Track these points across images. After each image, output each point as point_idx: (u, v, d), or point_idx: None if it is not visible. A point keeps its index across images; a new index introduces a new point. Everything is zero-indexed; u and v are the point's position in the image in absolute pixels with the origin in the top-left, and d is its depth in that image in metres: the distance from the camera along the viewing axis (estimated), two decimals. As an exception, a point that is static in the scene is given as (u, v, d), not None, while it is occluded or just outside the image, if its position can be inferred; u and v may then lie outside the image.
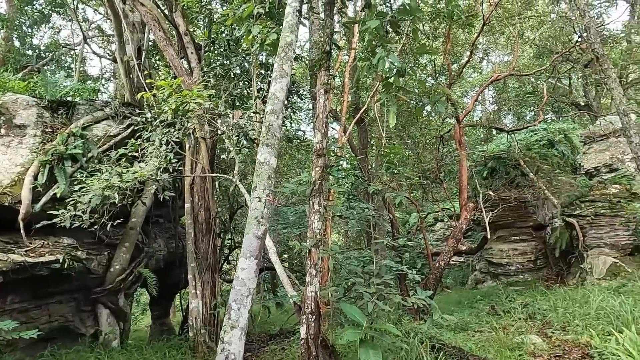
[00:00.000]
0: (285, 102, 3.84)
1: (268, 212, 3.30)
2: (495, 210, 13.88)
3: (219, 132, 7.19)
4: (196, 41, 9.47)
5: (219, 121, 6.80)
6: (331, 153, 5.06)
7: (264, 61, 8.57)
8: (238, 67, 8.26)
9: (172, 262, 10.89)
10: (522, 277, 14.53)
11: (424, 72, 14.71)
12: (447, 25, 13.42)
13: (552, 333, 7.48)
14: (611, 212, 12.21)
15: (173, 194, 7.99)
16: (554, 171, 15.07)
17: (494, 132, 22.03)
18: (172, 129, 7.02)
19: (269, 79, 8.30)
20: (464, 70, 15.65)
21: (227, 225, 11.40)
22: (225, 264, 12.72)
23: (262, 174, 3.40)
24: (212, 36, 8.63)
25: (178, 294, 12.83)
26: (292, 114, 9.20)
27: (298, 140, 9.55)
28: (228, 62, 8.09)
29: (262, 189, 3.35)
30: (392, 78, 4.22)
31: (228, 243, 12.55)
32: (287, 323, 10.96)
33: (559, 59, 16.05)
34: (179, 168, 7.72)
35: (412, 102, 15.27)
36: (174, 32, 9.75)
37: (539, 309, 9.14)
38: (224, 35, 8.37)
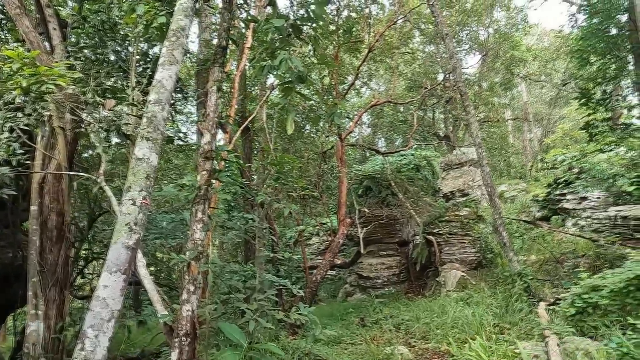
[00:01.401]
0: (173, 94, 3.38)
1: (144, 218, 2.79)
2: (369, 227, 14.74)
3: (84, 124, 6.16)
4: (62, 17, 8.10)
5: (84, 111, 5.81)
6: (219, 157, 4.66)
7: (145, 50, 7.67)
8: (113, 54, 7.24)
9: (6, 277, 8.96)
10: (387, 289, 15.56)
11: (312, 88, 15.09)
12: (336, 47, 14.08)
13: (416, 342, 8.04)
14: (462, 232, 13.92)
15: (14, 193, 6.58)
16: (419, 193, 16.71)
17: (368, 153, 23.71)
18: (19, 114, 5.78)
19: (150, 72, 7.49)
20: (347, 92, 16.55)
21: (84, 233, 9.86)
22: (79, 277, 10.97)
23: (139, 173, 2.87)
24: (84, 13, 7.45)
25: (12, 315, 10.63)
26: (173, 112, 8.41)
27: (180, 141, 8.74)
28: (102, 45, 7.02)
29: (138, 190, 2.83)
30: (291, 83, 4.06)
31: (84, 254, 10.87)
32: (150, 344, 9.88)
33: (427, 94, 18.13)
34: (26, 162, 6.41)
35: (297, 116, 15.52)
36: (32, 2, 8.22)
37: (402, 320, 9.79)
38: (99, 15, 7.27)
